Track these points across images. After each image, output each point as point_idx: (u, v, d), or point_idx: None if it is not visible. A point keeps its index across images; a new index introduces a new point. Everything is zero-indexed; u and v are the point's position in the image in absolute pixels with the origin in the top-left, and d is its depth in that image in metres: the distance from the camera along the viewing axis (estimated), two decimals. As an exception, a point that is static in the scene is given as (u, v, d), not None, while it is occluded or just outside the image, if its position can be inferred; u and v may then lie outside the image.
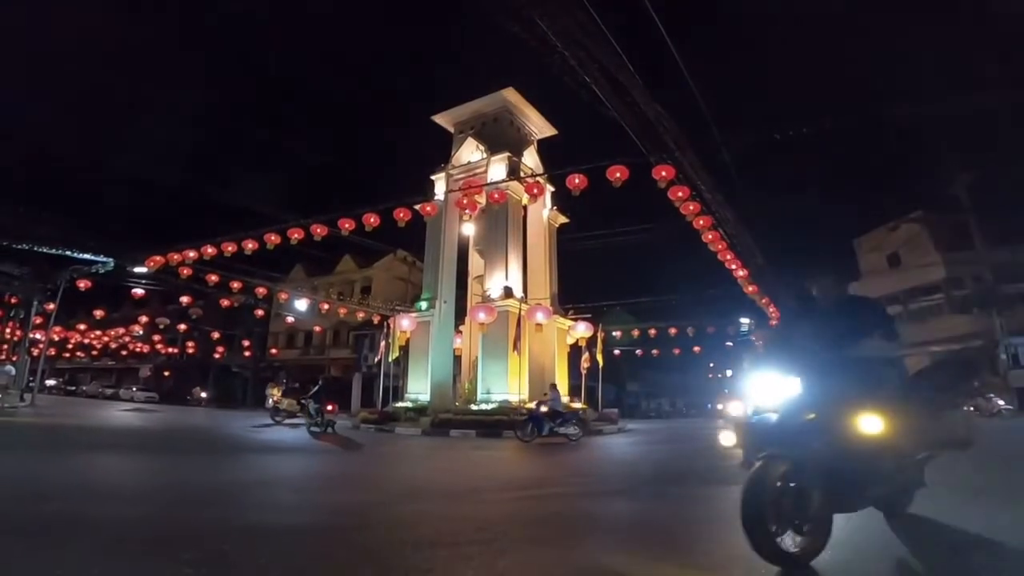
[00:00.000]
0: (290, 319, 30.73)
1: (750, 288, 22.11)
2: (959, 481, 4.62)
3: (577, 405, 19.88)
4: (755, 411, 2.97)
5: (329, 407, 13.27)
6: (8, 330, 23.04)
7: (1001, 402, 18.62)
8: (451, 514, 4.13)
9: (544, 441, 12.43)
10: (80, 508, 3.86)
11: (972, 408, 17.37)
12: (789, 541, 2.55)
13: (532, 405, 13.92)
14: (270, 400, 17.12)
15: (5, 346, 22.84)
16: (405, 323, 19.41)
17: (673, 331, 26.87)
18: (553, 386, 14.82)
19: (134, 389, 36.43)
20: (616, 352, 28.81)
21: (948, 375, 3.38)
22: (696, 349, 29.94)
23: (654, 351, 30.27)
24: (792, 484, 2.56)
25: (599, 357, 20.75)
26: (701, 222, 15.17)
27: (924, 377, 3.40)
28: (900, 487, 3.18)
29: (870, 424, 2.51)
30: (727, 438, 3.02)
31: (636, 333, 27.40)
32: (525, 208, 20.62)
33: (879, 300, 4.11)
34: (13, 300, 22.35)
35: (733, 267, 19.14)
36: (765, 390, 2.97)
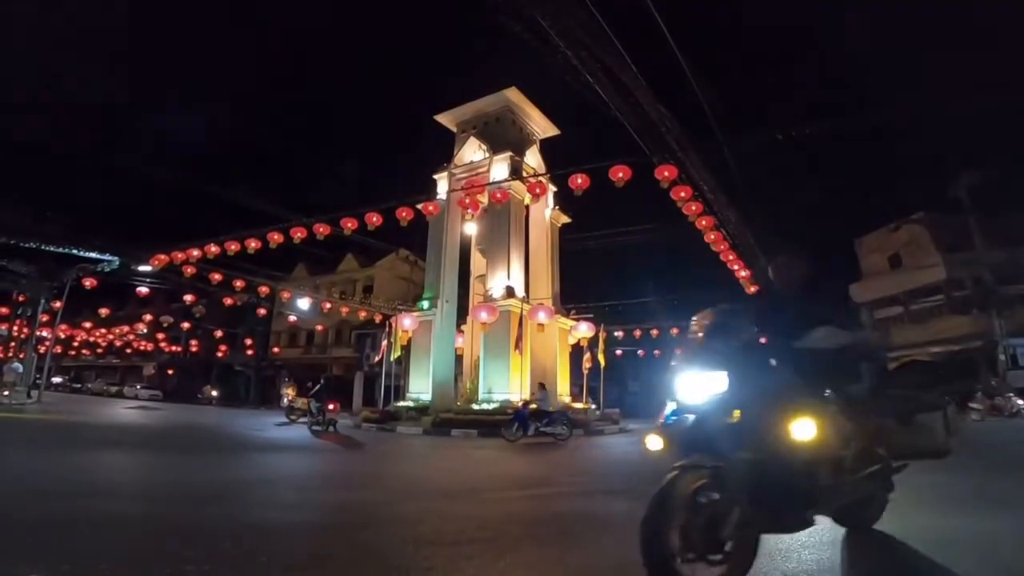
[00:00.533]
0: (292, 318, 30.78)
1: (752, 289, 22.08)
2: (945, 488, 4.54)
3: (578, 405, 19.91)
4: (675, 411, 2.54)
5: (331, 406, 13.29)
6: (16, 328, 23.19)
7: (1021, 401, 18.45)
8: (452, 513, 4.15)
9: (531, 441, 12.37)
10: (85, 504, 3.89)
11: (979, 408, 17.24)
12: (701, 572, 2.07)
13: (521, 404, 13.89)
14: (285, 399, 17.46)
15: (13, 344, 22.98)
16: (407, 322, 19.43)
17: (675, 331, 26.84)
18: (542, 385, 14.82)
19: (138, 387, 36.59)
20: (618, 352, 28.80)
21: (926, 374, 2.96)
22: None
23: (656, 351, 30.26)
24: (708, 499, 2.13)
25: (601, 357, 20.75)
26: (703, 222, 15.16)
27: (896, 376, 3.00)
28: (857, 500, 2.78)
29: (802, 429, 2.11)
30: (654, 442, 2.54)
31: (638, 334, 27.38)
32: (527, 208, 20.63)
33: (841, 283, 3.73)
34: (21, 298, 22.51)
35: (735, 267, 19.13)
36: (693, 386, 2.44)
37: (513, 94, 20.77)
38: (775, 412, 2.17)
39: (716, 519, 2.10)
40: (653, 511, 2.09)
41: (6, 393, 16.72)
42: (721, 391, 2.34)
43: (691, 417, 2.45)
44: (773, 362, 2.49)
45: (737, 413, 2.28)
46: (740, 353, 2.44)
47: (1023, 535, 3.36)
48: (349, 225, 15.38)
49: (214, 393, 35.53)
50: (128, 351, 43.87)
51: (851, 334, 2.63)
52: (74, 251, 18.88)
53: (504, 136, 20.59)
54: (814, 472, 2.19)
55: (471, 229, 20.80)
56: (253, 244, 16.66)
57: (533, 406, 13.18)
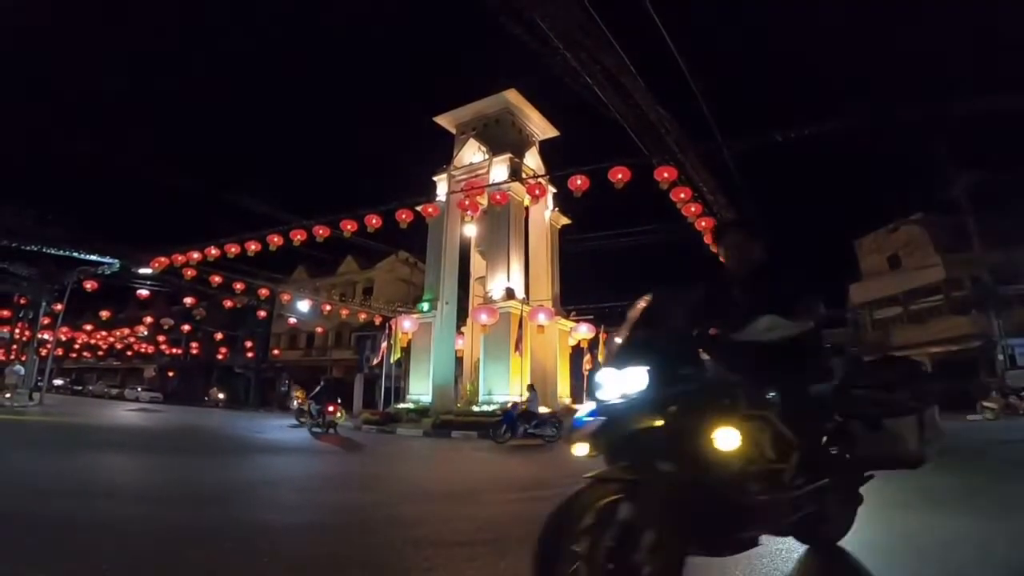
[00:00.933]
0: (292, 320, 30.81)
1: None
2: (932, 493, 4.42)
3: (579, 407, 19.90)
4: (592, 411, 2.12)
5: (331, 408, 13.29)
6: (17, 330, 23.25)
7: None
8: (452, 514, 4.15)
9: (520, 443, 12.35)
10: (87, 506, 3.90)
11: (992, 407, 17.05)
12: None
13: (509, 406, 13.84)
14: (295, 402, 17.48)
15: (15, 346, 23.04)
16: (407, 324, 19.45)
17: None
18: (531, 387, 14.82)
19: (139, 389, 36.61)
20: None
21: (898, 373, 2.58)
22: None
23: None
24: (623, 517, 1.74)
25: (601, 359, 20.75)
26: (703, 223, 15.18)
27: (864, 374, 2.61)
28: (815, 515, 2.35)
29: (724, 438, 1.80)
30: (580, 447, 2.09)
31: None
32: (527, 209, 20.66)
33: (803, 269, 2.92)
34: (22, 301, 22.59)
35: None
36: (615, 384, 2.02)
37: (512, 95, 20.81)
38: (695, 417, 1.84)
39: (629, 541, 1.72)
40: (549, 532, 1.73)
41: (8, 395, 16.75)
42: (641, 390, 1.94)
43: (602, 419, 2.03)
44: (706, 357, 2.17)
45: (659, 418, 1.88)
46: (668, 346, 2.06)
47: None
48: (349, 227, 15.43)
49: (220, 396, 35.49)
50: (129, 353, 43.91)
51: (799, 325, 2.23)
52: (75, 254, 18.95)
53: (503, 137, 20.62)
54: (744, 488, 1.87)
55: (471, 231, 20.83)
56: (253, 246, 16.68)
57: (523, 408, 13.13)
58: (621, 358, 2.07)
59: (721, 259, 2.69)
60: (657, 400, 1.90)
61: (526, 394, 17.17)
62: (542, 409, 14.44)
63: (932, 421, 2.41)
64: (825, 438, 2.41)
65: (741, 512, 1.89)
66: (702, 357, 2.18)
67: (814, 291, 2.41)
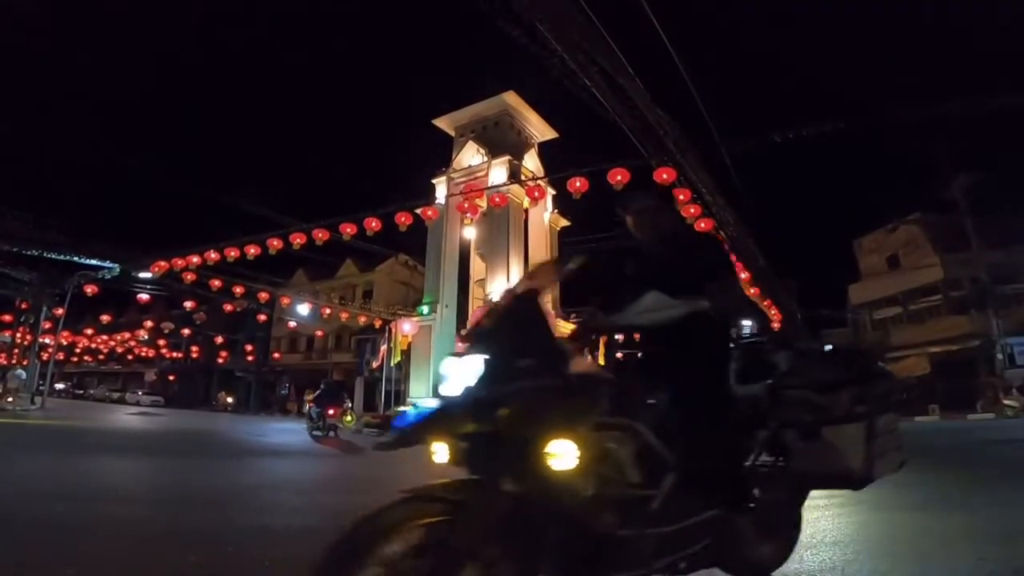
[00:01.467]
0: (292, 323, 30.81)
1: (752, 290, 22.09)
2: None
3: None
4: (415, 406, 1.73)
5: (331, 411, 13.27)
6: (19, 335, 23.29)
7: None
8: (453, 516, 4.15)
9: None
10: (90, 508, 3.90)
11: (1015, 405, 16.84)
12: None
13: (400, 411, 13.53)
14: (307, 406, 17.49)
15: (16, 350, 23.06)
16: (407, 327, 19.47)
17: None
18: (435, 388, 14.52)
19: (140, 393, 36.63)
20: (619, 356, 28.75)
21: (843, 370, 2.04)
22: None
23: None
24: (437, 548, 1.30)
25: (601, 361, 20.70)
26: (702, 224, 15.19)
27: (798, 373, 2.09)
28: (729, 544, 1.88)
29: (561, 454, 1.37)
30: (441, 452, 1.59)
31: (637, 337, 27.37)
32: (526, 211, 20.68)
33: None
34: (24, 305, 22.64)
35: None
36: (458, 373, 1.59)
37: (511, 98, 20.85)
38: (524, 425, 1.40)
39: None
40: (329, 565, 1.30)
41: (10, 399, 16.77)
42: (471, 383, 1.51)
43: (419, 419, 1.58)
44: (568, 349, 1.68)
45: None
46: (517, 328, 1.59)
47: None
48: (348, 230, 15.45)
49: (229, 400, 35.29)
50: (129, 357, 43.92)
51: (691, 305, 1.72)
52: (75, 258, 18.99)
53: (502, 140, 20.66)
54: (596, 517, 1.45)
55: (470, 233, 20.86)
56: (253, 250, 16.70)
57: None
58: (472, 342, 1.65)
59: (629, 227, 2.17)
60: (484, 399, 1.44)
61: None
62: None
63: (886, 430, 1.95)
64: (756, 451, 1.98)
65: (594, 548, 1.45)
66: (566, 346, 1.69)
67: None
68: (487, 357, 1.53)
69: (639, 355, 1.82)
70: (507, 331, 1.59)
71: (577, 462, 1.36)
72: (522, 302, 1.68)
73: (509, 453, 1.41)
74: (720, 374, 1.94)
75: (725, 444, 1.82)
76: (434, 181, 21.33)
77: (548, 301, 1.85)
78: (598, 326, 1.81)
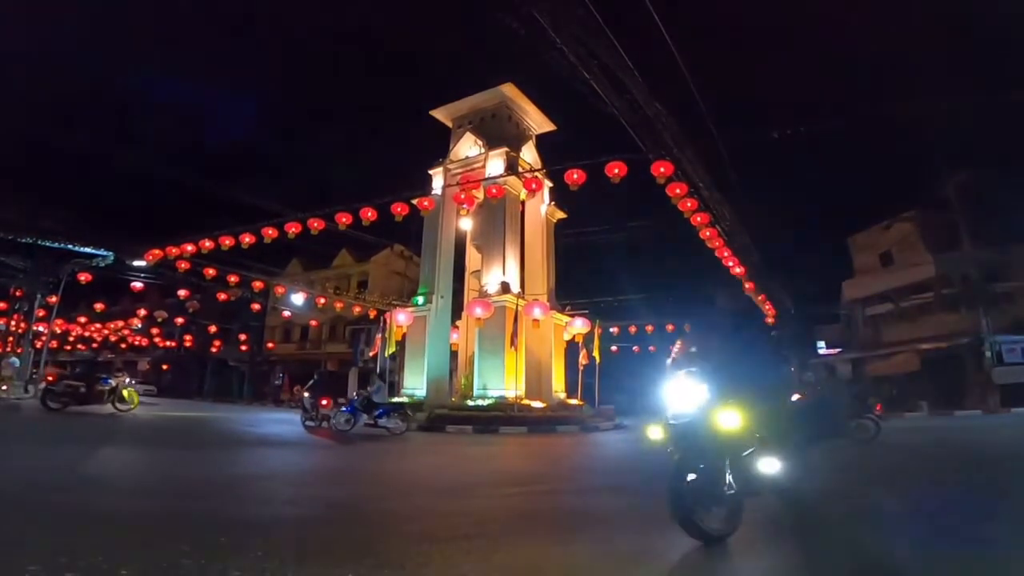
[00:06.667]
0: (287, 313, 30.70)
1: (747, 286, 22.16)
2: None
3: (573, 402, 19.96)
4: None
5: (324, 402, 13.24)
6: (13, 322, 23.18)
7: None
8: (447, 508, 4.18)
9: (365, 432, 11.81)
10: (81, 498, 3.91)
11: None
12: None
13: (355, 395, 13.12)
14: (302, 396, 17.44)
15: (10, 338, 22.96)
16: (402, 318, 19.43)
17: (670, 327, 26.91)
18: (380, 376, 14.27)
19: (133, 382, 36.41)
20: (613, 348, 28.85)
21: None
22: (693, 349, 29.93)
23: (651, 347, 30.33)
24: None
25: (596, 354, 20.78)
26: (699, 219, 15.21)
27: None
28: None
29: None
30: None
31: (633, 330, 27.46)
32: (523, 203, 20.60)
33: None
34: (18, 293, 22.54)
35: (730, 264, 19.19)
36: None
37: (509, 89, 20.72)
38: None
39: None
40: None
41: (4, 387, 16.71)
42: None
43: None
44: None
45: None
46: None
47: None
48: (344, 220, 15.38)
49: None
50: (123, 346, 43.73)
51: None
52: (69, 246, 18.88)
53: (500, 131, 20.56)
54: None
55: (466, 224, 20.76)
56: (247, 239, 16.63)
57: (366, 398, 12.36)
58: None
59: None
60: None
61: (523, 389, 17.26)
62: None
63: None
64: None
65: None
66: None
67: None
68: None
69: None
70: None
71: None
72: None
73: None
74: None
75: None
76: (431, 172, 21.23)
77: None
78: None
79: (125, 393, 13.35)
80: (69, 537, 2.83)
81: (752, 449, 3.16)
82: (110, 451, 7.13)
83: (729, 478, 2.99)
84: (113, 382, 13.17)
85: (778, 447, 3.26)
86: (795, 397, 4.23)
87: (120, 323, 39.67)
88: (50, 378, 12.99)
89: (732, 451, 3.05)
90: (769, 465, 3.14)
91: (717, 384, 3.16)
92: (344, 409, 12.40)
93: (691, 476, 2.97)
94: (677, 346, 3.79)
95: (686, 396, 3.20)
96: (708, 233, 16.45)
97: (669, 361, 3.69)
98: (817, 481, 3.89)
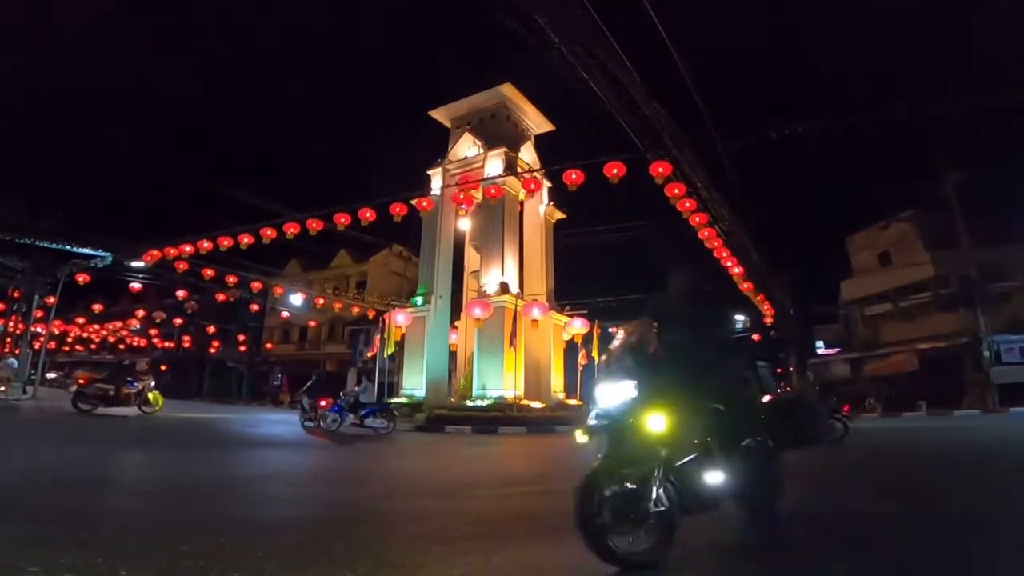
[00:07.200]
0: (285, 314, 30.65)
1: (745, 285, 22.20)
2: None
3: (572, 402, 19.96)
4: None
5: (322, 402, 13.24)
6: (11, 323, 23.12)
7: None
8: (446, 509, 4.18)
9: (362, 433, 11.93)
10: (81, 499, 3.90)
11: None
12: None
13: (341, 395, 13.23)
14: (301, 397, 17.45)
15: (8, 339, 22.90)
16: (400, 318, 19.42)
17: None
18: (368, 376, 14.40)
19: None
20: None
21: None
22: (634, 338, 29.88)
23: (651, 348, 30.34)
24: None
25: (595, 354, 20.77)
26: (697, 219, 15.23)
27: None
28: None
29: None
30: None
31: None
32: (522, 203, 20.61)
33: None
34: (16, 294, 22.48)
35: (728, 264, 19.22)
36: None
37: (508, 90, 20.73)
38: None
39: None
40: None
41: (2, 388, 16.66)
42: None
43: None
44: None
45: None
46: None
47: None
48: (342, 220, 15.37)
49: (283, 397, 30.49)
50: (121, 347, 43.66)
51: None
52: (68, 247, 18.85)
53: (499, 132, 20.56)
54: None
55: (465, 225, 20.76)
56: (246, 239, 16.61)
57: (353, 398, 12.61)
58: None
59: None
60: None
61: (521, 389, 17.26)
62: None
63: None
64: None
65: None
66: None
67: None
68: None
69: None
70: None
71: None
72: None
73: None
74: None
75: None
76: (429, 172, 21.23)
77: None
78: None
79: (151, 396, 13.73)
80: (67, 537, 2.82)
81: (692, 457, 2.75)
82: (109, 451, 7.12)
83: (659, 492, 2.54)
84: (139, 385, 13.58)
85: (728, 455, 2.87)
86: (766, 398, 3.76)
87: (118, 324, 39.60)
88: (81, 381, 13.32)
89: (664, 460, 2.61)
90: (714, 477, 2.75)
91: (648, 380, 2.76)
92: (331, 409, 12.51)
93: (609, 490, 2.53)
94: (620, 334, 3.17)
95: (614, 394, 2.80)
96: (707, 233, 16.47)
97: (604, 356, 3.19)
98: (777, 493, 3.45)
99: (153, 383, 14.22)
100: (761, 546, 3.15)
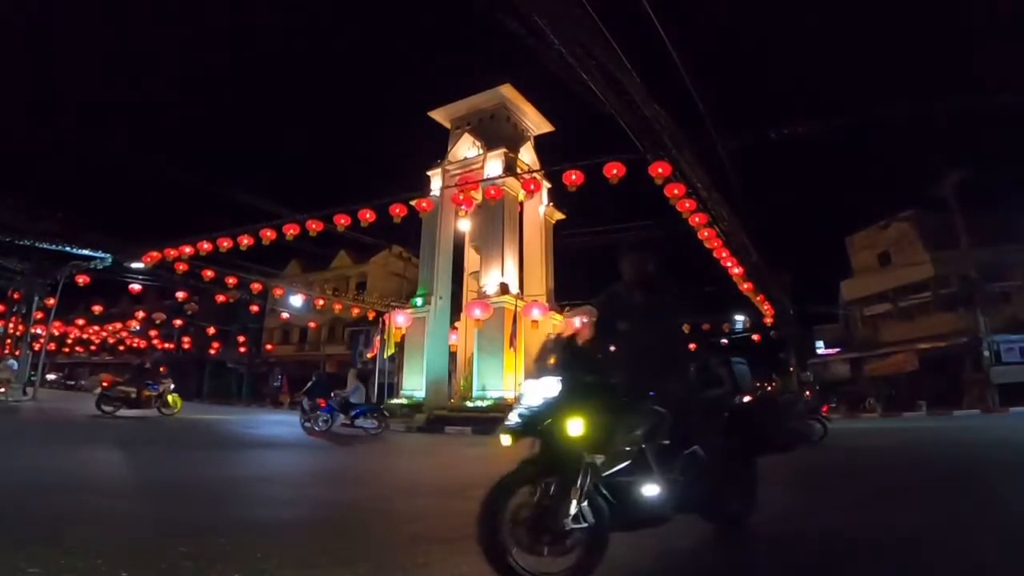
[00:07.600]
0: (285, 315, 30.65)
1: (745, 285, 22.19)
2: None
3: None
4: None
5: (323, 403, 13.24)
6: (11, 325, 23.11)
7: None
8: (446, 509, 4.18)
9: (350, 433, 11.99)
10: (81, 500, 3.90)
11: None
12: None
13: (332, 395, 13.26)
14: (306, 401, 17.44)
15: (8, 341, 22.88)
16: (400, 319, 19.42)
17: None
18: (359, 377, 14.37)
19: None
20: (612, 348, 28.81)
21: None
22: (692, 346, 30.03)
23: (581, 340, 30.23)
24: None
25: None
26: (697, 219, 15.22)
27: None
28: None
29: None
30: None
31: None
32: (521, 204, 20.60)
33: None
34: (16, 295, 22.47)
35: (728, 264, 19.21)
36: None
37: (508, 90, 20.73)
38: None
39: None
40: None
41: (2, 390, 16.68)
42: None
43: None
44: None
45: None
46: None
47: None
48: (342, 221, 15.36)
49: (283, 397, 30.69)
50: (121, 348, 43.65)
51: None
52: (67, 248, 18.84)
53: (498, 132, 20.56)
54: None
55: (465, 226, 20.76)
56: (246, 241, 16.60)
57: (343, 398, 12.69)
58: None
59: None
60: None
61: (513, 387, 17.22)
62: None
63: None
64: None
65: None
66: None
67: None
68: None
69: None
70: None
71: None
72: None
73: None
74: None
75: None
76: (429, 173, 21.23)
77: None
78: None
79: (170, 399, 13.99)
80: (67, 539, 2.82)
81: (624, 466, 2.40)
82: (110, 452, 7.12)
83: (580, 506, 2.20)
84: (160, 388, 13.85)
85: (668, 464, 2.53)
86: (747, 399, 3.40)
87: (118, 325, 39.59)
88: (105, 383, 13.49)
89: (590, 469, 2.28)
90: (651, 490, 2.40)
91: (573, 377, 2.46)
92: (322, 410, 12.60)
93: (517, 500, 2.26)
94: (562, 326, 2.92)
95: (537, 391, 2.49)
96: (706, 233, 16.47)
97: (539, 350, 2.77)
98: (748, 507, 3.21)
99: (172, 386, 14.36)
100: (708, 571, 2.77)
